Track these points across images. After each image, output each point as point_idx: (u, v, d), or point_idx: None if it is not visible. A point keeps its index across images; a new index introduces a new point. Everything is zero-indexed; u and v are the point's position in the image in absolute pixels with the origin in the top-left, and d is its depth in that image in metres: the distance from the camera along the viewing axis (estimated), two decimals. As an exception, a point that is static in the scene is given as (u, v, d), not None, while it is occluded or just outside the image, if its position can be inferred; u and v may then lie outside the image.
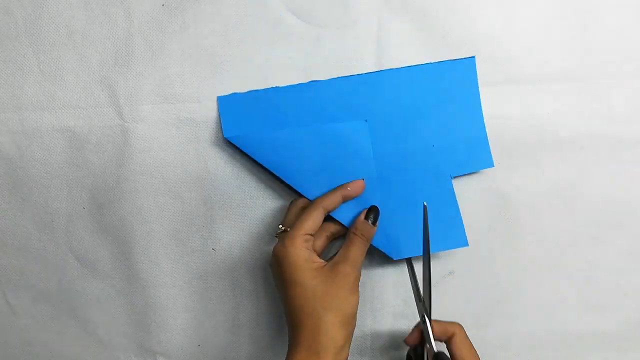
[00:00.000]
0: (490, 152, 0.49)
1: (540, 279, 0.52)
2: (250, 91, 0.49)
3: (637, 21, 0.49)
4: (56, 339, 0.54)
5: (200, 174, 0.51)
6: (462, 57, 0.48)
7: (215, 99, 0.49)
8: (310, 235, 0.45)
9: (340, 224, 0.48)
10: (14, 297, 0.54)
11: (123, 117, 0.50)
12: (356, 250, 0.44)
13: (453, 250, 0.51)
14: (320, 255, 0.47)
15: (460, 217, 0.49)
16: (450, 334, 0.45)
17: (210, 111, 0.50)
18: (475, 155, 0.49)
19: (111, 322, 0.54)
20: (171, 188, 0.51)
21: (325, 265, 0.44)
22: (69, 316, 0.54)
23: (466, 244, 0.49)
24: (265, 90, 0.49)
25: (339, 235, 0.49)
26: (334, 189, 0.47)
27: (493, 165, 0.49)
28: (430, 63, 0.48)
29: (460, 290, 0.50)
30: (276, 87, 0.49)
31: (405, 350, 0.51)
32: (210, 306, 0.53)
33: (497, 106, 0.49)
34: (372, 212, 0.46)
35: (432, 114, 0.48)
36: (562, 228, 0.51)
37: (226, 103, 0.49)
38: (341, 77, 0.48)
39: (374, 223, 0.46)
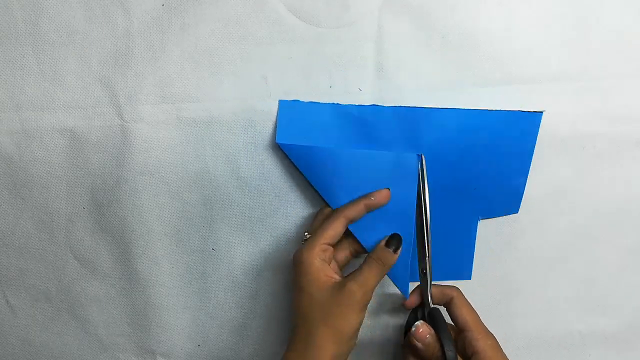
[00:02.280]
0: (520, 201, 0.49)
1: (541, 278, 0.52)
2: (312, 102, 0.49)
3: (637, 21, 0.49)
4: (56, 339, 0.54)
5: (200, 174, 0.51)
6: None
7: (215, 98, 0.49)
8: (329, 244, 0.44)
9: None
10: (14, 297, 0.54)
11: (123, 117, 0.50)
12: (370, 274, 0.43)
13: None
14: (342, 268, 0.47)
15: (473, 255, 0.50)
16: (449, 298, 0.46)
17: (210, 111, 0.50)
18: (506, 201, 0.49)
19: (111, 322, 0.54)
20: (171, 188, 0.51)
21: (337, 281, 0.43)
22: (69, 316, 0.54)
23: (469, 278, 0.50)
24: (327, 104, 0.49)
25: (362, 253, 0.48)
26: (357, 198, 0.46)
27: (517, 212, 0.50)
28: (497, 110, 0.48)
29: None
30: (338, 103, 0.49)
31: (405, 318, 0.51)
32: (210, 306, 0.53)
33: (497, 106, 0.49)
34: (394, 240, 0.44)
35: (484, 159, 0.48)
36: (562, 228, 0.51)
37: (286, 108, 0.49)
38: (404, 106, 0.48)
39: (395, 251, 0.44)
